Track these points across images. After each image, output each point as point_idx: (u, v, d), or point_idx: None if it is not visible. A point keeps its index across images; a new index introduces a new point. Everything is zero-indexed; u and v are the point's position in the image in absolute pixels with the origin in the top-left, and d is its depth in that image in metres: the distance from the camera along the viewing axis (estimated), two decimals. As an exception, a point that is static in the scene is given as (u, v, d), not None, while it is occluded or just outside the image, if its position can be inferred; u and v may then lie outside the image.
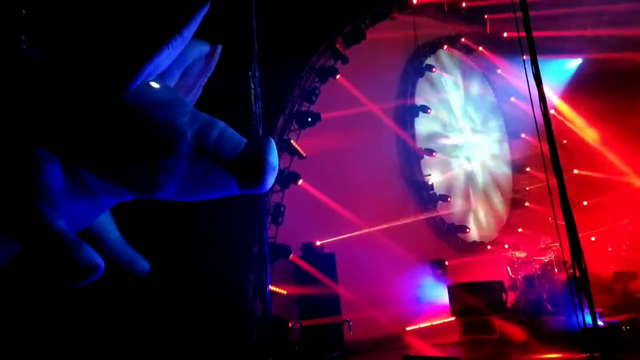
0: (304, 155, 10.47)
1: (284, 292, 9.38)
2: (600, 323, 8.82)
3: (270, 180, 3.29)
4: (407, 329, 11.48)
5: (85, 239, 3.12)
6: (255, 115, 7.85)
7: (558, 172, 5.10)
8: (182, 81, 3.76)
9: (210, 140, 3.16)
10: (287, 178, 10.17)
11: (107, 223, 3.74)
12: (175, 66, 3.55)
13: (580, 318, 4.86)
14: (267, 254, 8.04)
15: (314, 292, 9.57)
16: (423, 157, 13.85)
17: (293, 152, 10.44)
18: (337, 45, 11.39)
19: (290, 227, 10.11)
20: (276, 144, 10.47)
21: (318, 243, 10.35)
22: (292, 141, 10.42)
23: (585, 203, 15.51)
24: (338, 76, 11.30)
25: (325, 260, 10.09)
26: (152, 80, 3.34)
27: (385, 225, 11.53)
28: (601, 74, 15.08)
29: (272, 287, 8.70)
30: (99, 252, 3.05)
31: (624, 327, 8.99)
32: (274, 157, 3.27)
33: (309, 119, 10.75)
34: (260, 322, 8.57)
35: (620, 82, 14.63)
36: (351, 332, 9.22)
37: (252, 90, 7.99)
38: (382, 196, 12.00)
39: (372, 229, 11.18)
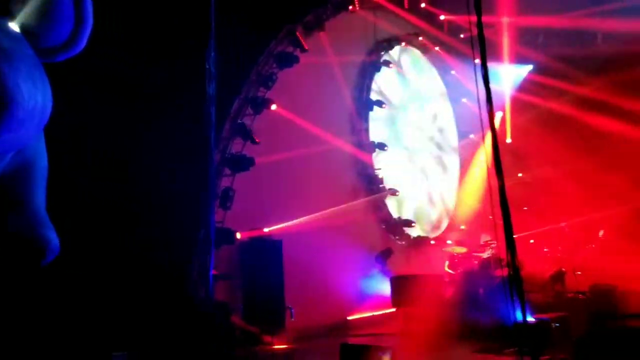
0: (257, 140, 10.44)
1: (228, 277, 9.37)
2: (531, 319, 9.24)
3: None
4: (349, 318, 11.68)
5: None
6: (209, 95, 7.77)
7: (499, 173, 5.33)
8: None
9: None
10: (238, 162, 10.12)
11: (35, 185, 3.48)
12: None
13: (512, 314, 5.11)
14: (212, 238, 7.98)
15: (259, 278, 9.60)
16: (375, 151, 14.03)
17: (246, 136, 10.39)
18: (297, 33, 11.38)
19: (239, 213, 10.10)
20: (230, 128, 10.44)
21: (266, 230, 10.36)
22: (246, 125, 10.36)
23: (525, 208, 16.06)
24: (297, 64, 11.28)
25: (272, 247, 10.11)
26: None
27: (334, 216, 11.64)
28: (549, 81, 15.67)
29: (215, 272, 8.66)
30: (14, 213, 2.91)
31: (553, 325, 9.41)
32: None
33: (265, 105, 10.73)
34: (202, 306, 8.53)
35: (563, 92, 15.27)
36: (292, 319, 9.30)
37: (207, 70, 7.90)
38: (333, 187, 12.12)
39: (321, 219, 11.27)
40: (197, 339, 7.74)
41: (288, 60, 11.07)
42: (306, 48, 11.41)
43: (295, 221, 10.80)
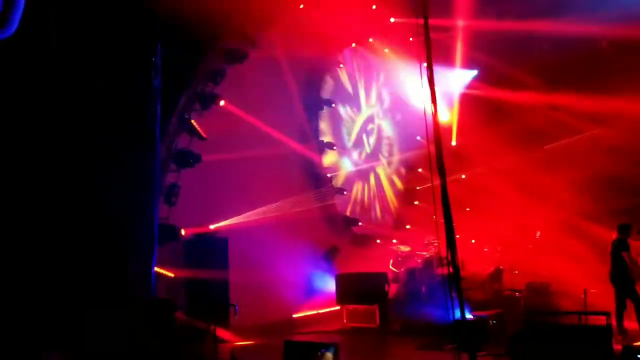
0: (205, 136, 10.31)
1: (171, 274, 9.22)
2: (470, 316, 9.53)
3: None
4: (294, 316, 11.72)
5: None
6: (155, 88, 7.63)
7: (441, 173, 5.48)
8: None
9: None
10: (184, 158, 9.97)
11: None
12: None
13: (452, 311, 5.27)
14: (155, 234, 7.84)
15: (203, 276, 9.49)
16: (324, 150, 14.11)
17: (193, 132, 10.24)
18: (248, 29, 11.28)
19: (184, 209, 9.95)
20: (176, 123, 10.25)
21: (212, 227, 10.25)
22: (192, 121, 10.21)
23: (467, 209, 16.53)
24: (247, 60, 11.18)
25: (217, 245, 10.02)
26: None
27: (281, 215, 11.64)
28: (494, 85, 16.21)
29: (158, 269, 8.50)
30: None
31: (491, 321, 9.74)
32: None
33: (212, 101, 10.61)
34: (144, 303, 8.35)
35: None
36: (236, 316, 9.24)
37: (153, 63, 7.76)
38: (280, 185, 12.11)
39: (268, 217, 11.25)
40: (139, 337, 7.58)
41: (238, 56, 10.97)
42: (257, 44, 11.33)
43: (242, 219, 10.73)
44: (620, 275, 9.25)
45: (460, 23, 14.75)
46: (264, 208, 11.25)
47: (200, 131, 10.22)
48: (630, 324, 9.04)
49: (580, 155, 14.33)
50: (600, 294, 9.46)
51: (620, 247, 9.36)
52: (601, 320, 7.50)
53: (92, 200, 7.38)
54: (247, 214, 10.86)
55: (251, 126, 11.26)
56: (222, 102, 10.66)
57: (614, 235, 9.59)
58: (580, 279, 10.24)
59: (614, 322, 8.46)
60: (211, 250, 9.87)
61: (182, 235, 9.68)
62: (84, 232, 7.29)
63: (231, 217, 10.59)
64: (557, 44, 14.76)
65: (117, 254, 7.80)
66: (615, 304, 9.19)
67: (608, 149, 13.86)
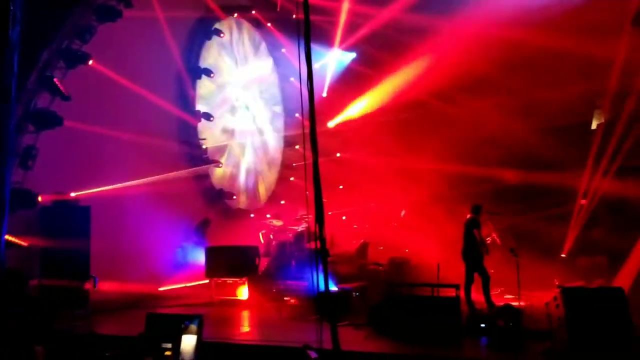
0: (68, 96, 9.59)
1: (24, 243, 8.54)
2: (334, 289, 9.95)
3: None
4: (160, 289, 11.44)
5: None
6: (12, 41, 6.89)
7: (314, 150, 5.61)
8: None
9: None
10: (44, 119, 9.21)
11: None
12: None
13: (318, 284, 5.45)
14: (6, 199, 7.16)
15: (62, 246, 8.90)
16: (200, 120, 13.76)
17: (55, 91, 9.47)
18: (122, -16, 10.60)
19: (44, 175, 9.24)
20: (36, 80, 9.42)
21: (73, 194, 9.61)
22: (55, 80, 9.44)
23: (341, 187, 17.10)
24: (120, 19, 10.51)
25: (78, 213, 9.42)
26: None
27: (152, 184, 11.21)
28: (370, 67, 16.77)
29: (9, 237, 7.82)
30: None
31: (354, 293, 10.24)
32: None
33: (81, 60, 9.89)
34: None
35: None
36: (95, 289, 8.83)
37: (12, 12, 7.00)
38: (153, 154, 11.62)
39: (137, 186, 10.78)
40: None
41: (109, 14, 10.27)
42: (131, 3, 10.67)
43: (108, 187, 10.17)
44: (470, 251, 10.13)
45: (344, 6, 15.00)
46: (133, 176, 10.75)
47: (64, 91, 9.48)
48: (476, 296, 9.97)
49: (445, 143, 15.38)
50: (452, 268, 10.30)
51: (472, 225, 10.24)
52: (451, 292, 8.18)
53: None
54: (115, 181, 10.30)
55: (124, 90, 10.67)
56: (91, 62, 9.98)
57: (468, 215, 10.46)
58: (436, 254, 11.06)
59: (462, 293, 9.27)
60: (71, 218, 9.27)
61: (38, 202, 8.98)
62: None
63: (96, 185, 9.99)
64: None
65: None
66: (465, 277, 10.07)
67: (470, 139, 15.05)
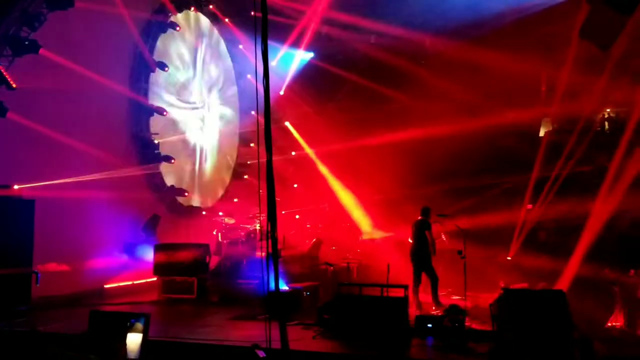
0: (14, 86, 9.24)
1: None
2: (285, 288, 9.95)
3: None
4: (106, 286, 11.16)
5: None
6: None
7: (268, 148, 5.58)
8: None
9: None
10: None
11: None
12: None
13: (268, 283, 5.42)
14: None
15: (3, 240, 8.58)
16: (153, 115, 13.46)
17: (1, 80, 9.11)
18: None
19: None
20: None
21: (16, 187, 9.26)
22: (0, 68, 9.07)
23: (295, 186, 17.12)
24: (72, 8, 10.18)
25: (21, 207, 9.09)
26: None
27: (101, 179, 10.93)
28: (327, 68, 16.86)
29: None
30: None
31: (305, 293, 10.25)
32: None
33: (29, 48, 9.54)
34: None
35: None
36: (38, 285, 8.54)
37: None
38: (103, 148, 11.31)
39: (85, 180, 10.48)
40: None
41: (60, 2, 9.95)
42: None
43: (55, 181, 9.85)
44: (420, 252, 10.30)
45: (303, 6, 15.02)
46: (82, 170, 10.44)
47: (9, 79, 9.12)
48: (424, 296, 10.15)
49: (400, 145, 15.60)
50: (401, 269, 10.46)
51: (424, 227, 10.42)
52: (400, 292, 8.30)
53: None
54: (61, 175, 9.98)
55: (74, 82, 10.35)
56: (40, 50, 9.64)
57: (418, 217, 10.64)
58: (386, 255, 11.20)
59: (411, 294, 9.42)
60: (12, 212, 8.92)
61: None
62: None
63: (41, 178, 9.66)
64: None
65: None
66: (413, 278, 10.24)
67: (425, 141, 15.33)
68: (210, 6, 15.97)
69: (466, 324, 7.82)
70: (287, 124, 17.92)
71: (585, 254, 11.49)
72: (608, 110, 16.42)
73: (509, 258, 14.25)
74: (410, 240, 10.50)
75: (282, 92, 17.38)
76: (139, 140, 13.19)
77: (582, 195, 13.22)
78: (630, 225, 13.56)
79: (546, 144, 15.31)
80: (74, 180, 10.23)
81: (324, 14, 14.86)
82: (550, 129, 17.25)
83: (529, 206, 15.29)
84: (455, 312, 7.86)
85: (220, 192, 17.04)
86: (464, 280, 9.45)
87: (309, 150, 17.43)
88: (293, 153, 17.69)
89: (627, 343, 7.77)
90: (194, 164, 15.57)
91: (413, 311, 8.85)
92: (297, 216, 15.99)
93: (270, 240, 5.34)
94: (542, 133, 17.73)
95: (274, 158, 5.49)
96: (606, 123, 16.41)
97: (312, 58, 17.41)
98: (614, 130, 14.97)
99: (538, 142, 16.43)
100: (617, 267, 9.96)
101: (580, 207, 13.03)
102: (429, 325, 7.96)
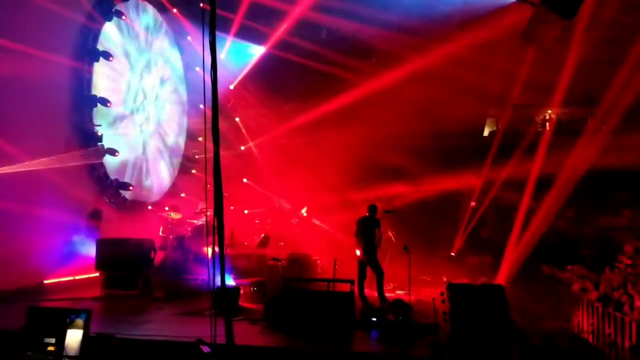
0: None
1: None
2: (232, 283, 9.89)
3: None
4: (46, 282, 10.76)
5: None
6: None
7: (215, 142, 5.51)
8: None
9: None
10: None
11: None
12: None
13: (215, 279, 5.37)
14: None
15: None
16: (96, 106, 13.02)
17: None
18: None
19: None
20: None
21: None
22: None
23: (245, 180, 16.99)
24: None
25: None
26: None
27: (40, 170, 10.51)
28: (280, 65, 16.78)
29: None
30: None
31: (252, 288, 10.23)
32: None
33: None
34: None
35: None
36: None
37: None
38: (42, 138, 10.89)
39: (23, 171, 10.06)
40: None
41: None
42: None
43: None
44: (368, 248, 10.43)
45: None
46: (19, 160, 10.01)
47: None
48: (370, 291, 10.30)
49: (350, 143, 15.77)
50: (347, 264, 10.58)
51: (373, 224, 10.56)
52: (346, 287, 8.40)
53: None
54: (-3, 166, 9.57)
55: (12, 67, 9.88)
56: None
57: (366, 214, 10.77)
58: (333, 251, 11.31)
59: (356, 289, 9.54)
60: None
61: None
62: None
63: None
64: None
65: None
66: (358, 273, 10.37)
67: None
68: (159, -5, 15.61)
69: (410, 318, 7.99)
70: (237, 120, 17.78)
71: (524, 251, 11.98)
72: (549, 112, 17.16)
73: (452, 254, 14.67)
74: (357, 237, 10.60)
75: (232, 87, 17.19)
76: (81, 131, 12.72)
77: (521, 194, 13.76)
78: (568, 222, 14.23)
79: (491, 144, 15.84)
80: (10, 169, 9.81)
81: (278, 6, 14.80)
82: (495, 129, 17.86)
83: (473, 204, 15.79)
84: (399, 306, 8.02)
85: (167, 187, 16.70)
86: (408, 275, 9.66)
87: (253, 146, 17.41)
88: (242, 148, 17.57)
89: (563, 337, 8.13)
90: (139, 157, 15.18)
91: (359, 306, 8.98)
92: (245, 211, 15.89)
93: (216, 236, 5.29)
94: (486, 133, 18.33)
95: (223, 153, 5.43)
96: (547, 124, 17.16)
97: (263, 53, 17.28)
98: (557, 132, 15.62)
99: (482, 142, 16.97)
100: (554, 263, 10.43)
101: (521, 205, 13.55)
102: (374, 319, 8.10)
